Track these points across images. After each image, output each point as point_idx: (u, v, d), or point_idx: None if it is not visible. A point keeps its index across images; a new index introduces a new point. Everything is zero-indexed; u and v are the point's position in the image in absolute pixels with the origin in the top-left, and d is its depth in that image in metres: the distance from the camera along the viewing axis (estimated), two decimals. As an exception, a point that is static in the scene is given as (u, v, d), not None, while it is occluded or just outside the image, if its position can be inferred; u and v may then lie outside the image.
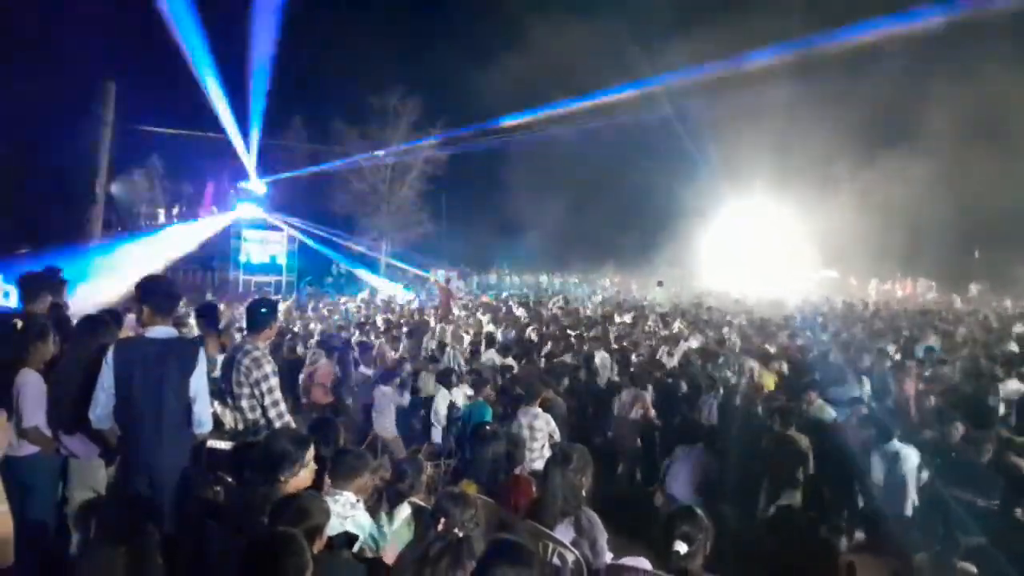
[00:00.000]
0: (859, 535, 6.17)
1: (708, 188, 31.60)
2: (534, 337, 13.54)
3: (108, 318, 5.17)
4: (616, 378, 9.79)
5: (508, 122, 31.81)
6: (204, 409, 4.19)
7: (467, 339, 13.34)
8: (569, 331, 13.96)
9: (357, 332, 13.97)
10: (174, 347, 4.15)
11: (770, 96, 27.71)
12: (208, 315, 7.45)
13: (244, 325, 6.07)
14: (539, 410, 6.81)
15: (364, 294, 26.14)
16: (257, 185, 30.60)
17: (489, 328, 14.73)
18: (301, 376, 10.32)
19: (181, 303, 7.34)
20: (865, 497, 6.21)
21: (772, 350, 11.10)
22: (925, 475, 5.82)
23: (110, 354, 4.07)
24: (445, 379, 8.83)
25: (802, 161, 28.21)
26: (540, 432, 6.59)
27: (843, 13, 26.32)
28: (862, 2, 27.07)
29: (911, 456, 5.90)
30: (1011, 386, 8.41)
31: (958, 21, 24.21)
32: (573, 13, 32.60)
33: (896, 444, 6.01)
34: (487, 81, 33.01)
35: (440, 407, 8.38)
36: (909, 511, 5.71)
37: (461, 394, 8.47)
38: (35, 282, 5.85)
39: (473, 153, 34.72)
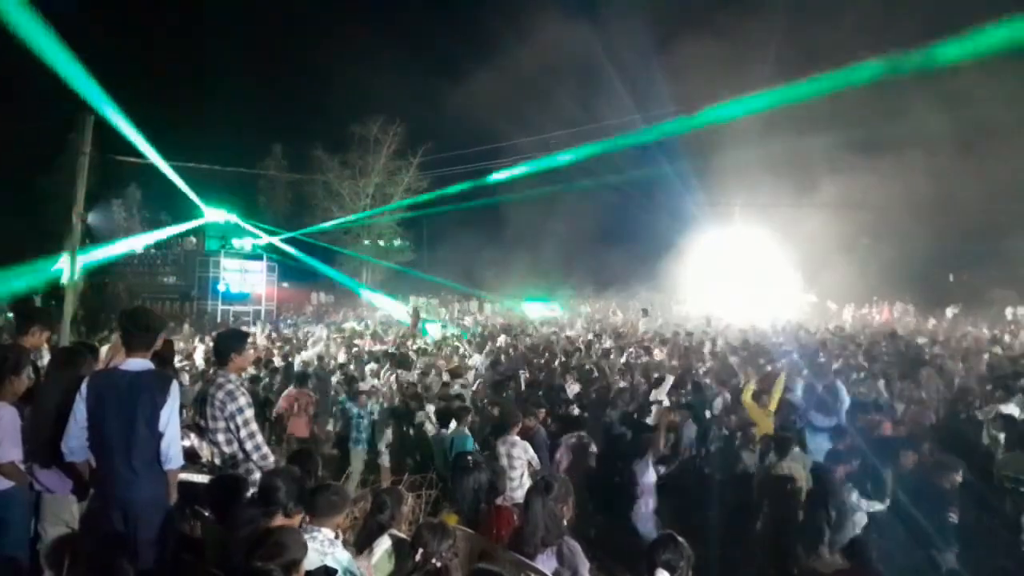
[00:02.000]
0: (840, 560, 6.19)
1: (689, 214, 31.93)
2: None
3: (84, 350, 5.11)
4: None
5: (489, 149, 31.93)
6: (172, 444, 4.04)
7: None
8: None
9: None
10: (146, 380, 4.05)
11: (750, 123, 28.10)
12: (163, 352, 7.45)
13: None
14: (517, 438, 6.77)
15: (349, 325, 25.97)
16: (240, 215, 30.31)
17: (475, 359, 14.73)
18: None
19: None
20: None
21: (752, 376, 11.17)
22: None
23: (84, 386, 4.00)
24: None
25: (781, 187, 28.59)
26: (519, 460, 6.53)
27: (825, 39, 26.92)
28: (845, 29, 27.75)
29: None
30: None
31: (935, 51, 24.76)
32: (556, 40, 32.93)
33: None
34: (468, 109, 33.22)
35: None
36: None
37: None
38: (27, 314, 5.76)
39: (454, 181, 34.82)
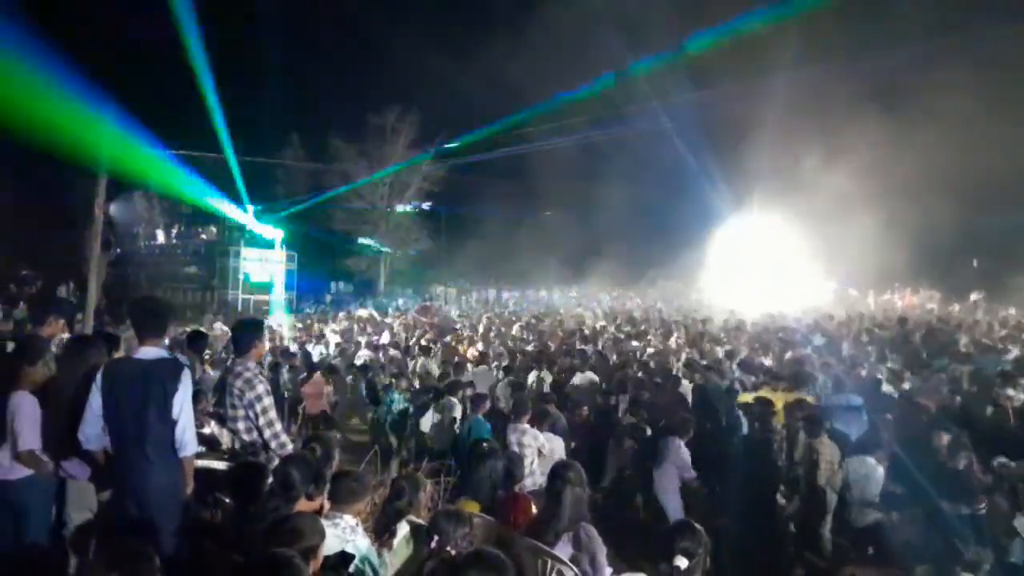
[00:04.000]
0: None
1: (705, 201, 31.65)
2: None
3: (95, 338, 5.16)
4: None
5: (506, 137, 31.88)
6: (186, 431, 4.05)
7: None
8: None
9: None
10: (158, 367, 4.06)
11: (767, 107, 27.84)
12: (195, 342, 7.49)
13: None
14: (527, 426, 6.84)
15: (363, 312, 26.08)
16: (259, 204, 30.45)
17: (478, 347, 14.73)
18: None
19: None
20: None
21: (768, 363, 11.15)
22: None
23: (99, 375, 4.02)
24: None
25: (801, 173, 28.27)
26: (528, 448, 6.59)
27: (840, 23, 26.57)
28: (862, 14, 27.36)
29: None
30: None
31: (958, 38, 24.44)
32: (571, 27, 32.66)
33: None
34: (485, 97, 33.10)
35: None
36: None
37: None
38: (43, 304, 5.85)
39: (472, 169, 34.79)
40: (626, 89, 30.90)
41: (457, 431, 8.07)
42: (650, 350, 13.39)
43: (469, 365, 11.83)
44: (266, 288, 32.03)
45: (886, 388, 9.30)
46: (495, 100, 32.90)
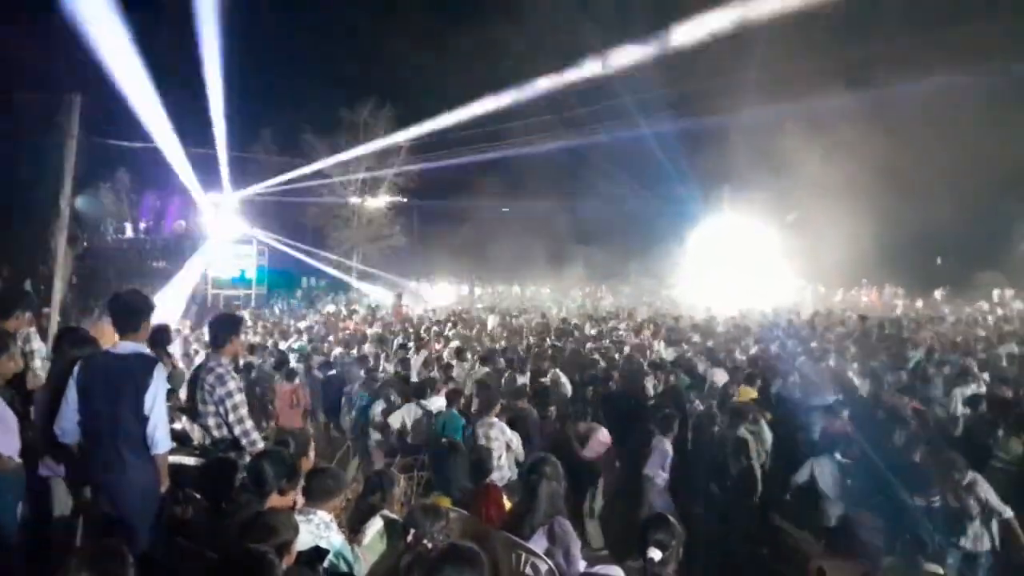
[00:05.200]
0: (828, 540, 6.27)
1: (679, 199, 31.90)
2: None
3: (85, 333, 5.08)
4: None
5: (480, 133, 31.70)
6: (159, 428, 3.99)
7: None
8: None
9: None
10: (132, 363, 4.01)
11: (740, 108, 28.10)
12: (158, 337, 7.34)
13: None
14: (495, 420, 6.90)
15: (332, 308, 25.90)
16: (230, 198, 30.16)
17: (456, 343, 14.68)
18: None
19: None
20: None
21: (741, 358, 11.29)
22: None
23: (76, 369, 3.98)
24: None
25: (770, 171, 28.59)
26: (496, 442, 6.62)
27: (811, 23, 26.84)
28: (836, 22, 27.69)
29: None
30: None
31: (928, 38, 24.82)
32: (547, 25, 32.59)
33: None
34: (459, 92, 32.93)
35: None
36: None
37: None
38: (9, 297, 5.70)
39: (445, 165, 34.54)
40: (603, 85, 30.91)
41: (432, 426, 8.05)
42: (626, 348, 13.47)
43: (451, 362, 11.79)
44: (236, 283, 31.71)
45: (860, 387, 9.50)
46: (470, 95, 32.73)
